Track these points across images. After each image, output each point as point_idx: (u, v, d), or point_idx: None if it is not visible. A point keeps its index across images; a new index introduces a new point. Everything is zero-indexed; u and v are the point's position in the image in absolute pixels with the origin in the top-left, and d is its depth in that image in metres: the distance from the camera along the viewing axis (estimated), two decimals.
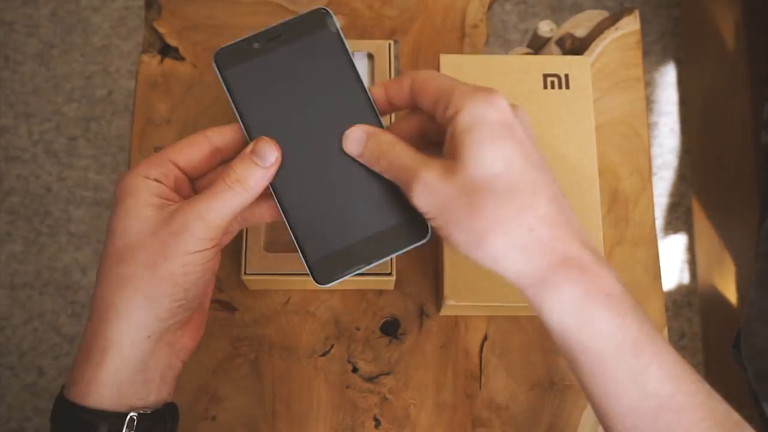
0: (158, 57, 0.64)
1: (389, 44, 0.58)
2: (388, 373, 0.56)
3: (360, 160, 0.43)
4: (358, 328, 0.57)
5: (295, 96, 0.45)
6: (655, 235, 0.60)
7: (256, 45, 0.45)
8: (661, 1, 1.40)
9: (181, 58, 0.64)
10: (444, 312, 0.57)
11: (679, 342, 1.28)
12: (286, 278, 0.54)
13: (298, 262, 0.46)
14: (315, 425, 0.55)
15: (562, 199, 0.39)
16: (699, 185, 1.28)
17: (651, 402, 0.37)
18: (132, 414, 0.40)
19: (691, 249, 1.31)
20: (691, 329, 1.28)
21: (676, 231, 1.33)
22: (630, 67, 0.63)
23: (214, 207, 0.40)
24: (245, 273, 0.53)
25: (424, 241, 0.44)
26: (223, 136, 0.43)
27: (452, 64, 0.58)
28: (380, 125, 0.44)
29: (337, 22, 0.46)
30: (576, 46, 0.64)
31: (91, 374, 0.40)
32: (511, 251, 0.37)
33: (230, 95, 0.45)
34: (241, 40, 0.45)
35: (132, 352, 0.40)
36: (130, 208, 0.40)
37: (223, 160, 0.44)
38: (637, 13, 0.65)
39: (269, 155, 0.42)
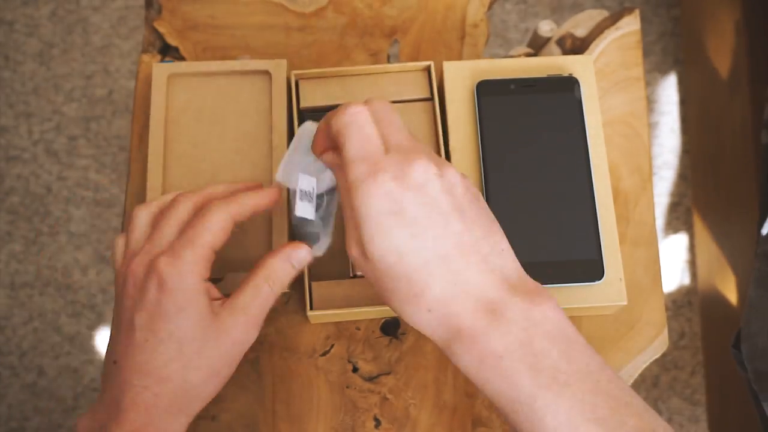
0: (158, 57, 0.64)
1: (285, 62, 0.58)
2: (388, 373, 0.56)
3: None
4: (358, 328, 0.57)
5: (529, 136, 0.55)
6: (655, 235, 0.60)
7: (512, 86, 0.57)
8: (661, 1, 1.40)
9: (182, 58, 0.64)
10: None
11: (678, 342, 1.28)
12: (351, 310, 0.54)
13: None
14: (315, 425, 0.55)
15: (460, 262, 0.41)
16: (699, 185, 1.28)
17: None
18: None
19: (691, 249, 1.31)
20: (691, 329, 1.28)
21: (676, 231, 1.33)
22: (630, 67, 0.63)
23: (262, 312, 0.46)
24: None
25: (597, 282, 0.53)
26: (244, 214, 0.47)
27: (456, 71, 0.58)
28: (590, 179, 0.55)
29: (583, 90, 0.57)
30: (576, 46, 0.64)
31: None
32: (421, 325, 0.41)
33: (478, 117, 0.56)
34: (502, 79, 0.57)
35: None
36: (197, 316, 0.44)
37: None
38: (637, 12, 0.65)
39: (302, 259, 0.47)
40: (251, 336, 0.46)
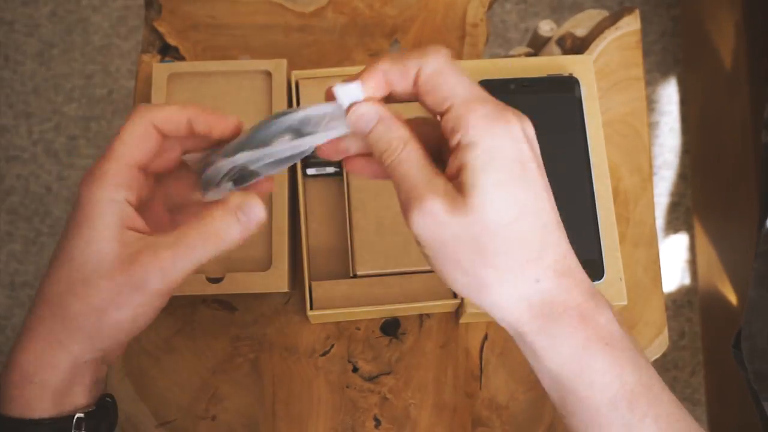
0: (158, 57, 0.64)
1: (285, 62, 0.58)
2: (388, 373, 0.56)
3: (363, 141, 0.39)
4: (358, 328, 0.57)
5: None
6: (655, 235, 0.60)
7: (512, 86, 0.56)
8: (661, 1, 1.40)
9: (182, 58, 0.64)
10: (464, 320, 0.57)
11: (679, 342, 1.28)
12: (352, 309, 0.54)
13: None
14: (315, 425, 0.55)
15: (565, 241, 0.38)
16: (699, 185, 1.28)
17: None
18: (78, 414, 0.40)
19: (691, 249, 1.31)
20: (691, 329, 1.28)
21: (676, 231, 1.33)
22: (630, 67, 0.63)
23: (179, 262, 0.38)
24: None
25: (597, 282, 0.53)
26: (170, 125, 0.40)
27: None
28: (591, 179, 0.54)
29: (583, 90, 0.57)
30: (576, 46, 0.64)
31: (30, 392, 0.39)
32: (515, 301, 0.36)
33: None
34: (502, 79, 0.56)
35: (70, 372, 0.40)
36: (92, 239, 0.38)
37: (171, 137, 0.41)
38: (637, 12, 0.65)
39: (255, 215, 0.39)
40: (163, 301, 0.39)
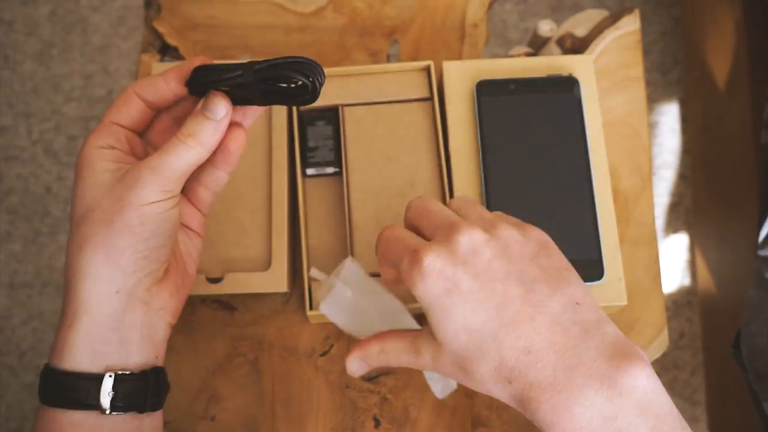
0: (158, 56, 0.64)
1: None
2: (388, 373, 0.56)
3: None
4: None
5: (529, 136, 0.56)
6: (655, 235, 0.60)
7: (512, 86, 0.57)
8: (661, 1, 1.40)
9: (181, 58, 0.64)
10: None
11: (678, 342, 1.28)
12: None
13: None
14: (315, 425, 0.55)
15: (529, 314, 0.38)
16: (699, 185, 1.28)
17: None
18: (108, 374, 0.40)
19: (691, 249, 1.31)
20: (691, 329, 1.28)
21: (676, 231, 1.33)
22: (630, 67, 0.63)
23: (166, 161, 0.41)
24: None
25: (597, 282, 0.53)
26: (148, 89, 0.44)
27: (456, 71, 0.58)
28: (590, 179, 0.55)
29: (583, 90, 0.57)
30: (576, 46, 0.64)
31: (64, 337, 0.40)
32: (510, 401, 0.39)
33: (478, 117, 0.56)
34: (502, 79, 0.57)
35: (101, 309, 0.41)
36: (87, 177, 0.42)
37: (159, 110, 0.46)
38: (637, 12, 0.65)
39: (220, 109, 0.43)
40: (166, 201, 0.42)
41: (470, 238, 0.40)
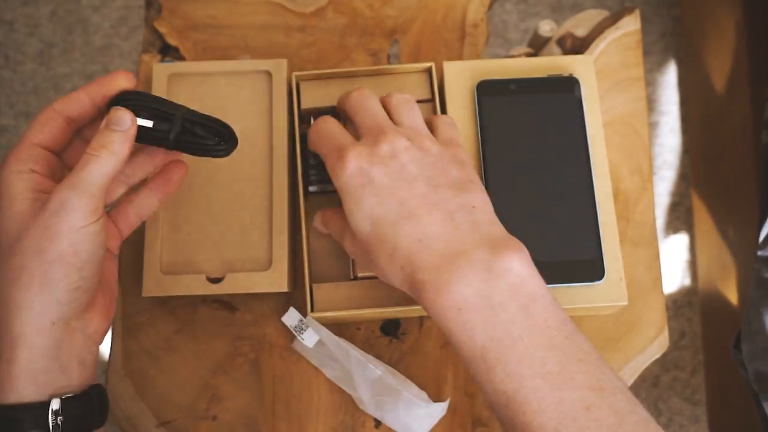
0: (158, 57, 0.64)
1: (285, 62, 0.58)
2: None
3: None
4: (358, 328, 0.57)
5: (529, 136, 0.56)
6: (656, 235, 0.60)
7: (512, 87, 0.57)
8: (661, 1, 1.40)
9: (182, 58, 0.64)
10: None
11: (678, 342, 1.28)
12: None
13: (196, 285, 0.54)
14: (315, 425, 0.55)
15: (428, 209, 0.44)
16: (699, 185, 1.28)
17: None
18: (54, 399, 0.41)
19: (691, 249, 1.31)
20: (691, 329, 1.28)
21: (676, 231, 1.33)
22: (630, 67, 0.63)
23: (84, 177, 0.41)
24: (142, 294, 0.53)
25: (598, 282, 0.53)
26: (71, 105, 0.45)
27: (456, 71, 0.58)
28: (591, 179, 0.55)
29: (584, 90, 0.57)
30: (576, 46, 0.64)
31: (4, 372, 0.40)
32: (400, 285, 0.44)
33: (478, 117, 0.56)
34: (503, 80, 0.57)
35: (40, 341, 0.41)
36: (7, 207, 0.42)
37: (78, 128, 0.47)
38: (637, 12, 0.65)
39: (125, 120, 0.43)
40: (94, 224, 0.41)
41: (392, 146, 0.45)
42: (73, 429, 0.41)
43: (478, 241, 0.42)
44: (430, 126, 0.50)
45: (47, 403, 0.40)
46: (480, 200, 0.45)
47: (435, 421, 0.54)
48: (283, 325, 0.57)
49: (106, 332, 0.45)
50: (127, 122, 0.43)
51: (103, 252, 0.43)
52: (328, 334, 0.53)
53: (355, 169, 0.44)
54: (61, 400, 0.41)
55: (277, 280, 0.54)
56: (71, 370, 0.42)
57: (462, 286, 0.40)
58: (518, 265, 0.41)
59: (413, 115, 0.49)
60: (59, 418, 0.40)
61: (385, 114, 0.48)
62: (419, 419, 0.53)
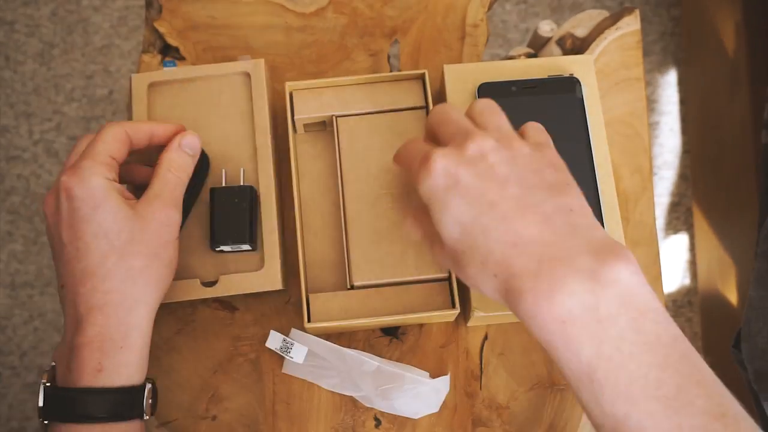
0: (159, 57, 0.64)
1: (262, 62, 0.58)
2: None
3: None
4: None
5: None
6: (656, 235, 0.60)
7: (513, 88, 0.57)
8: (661, 1, 1.40)
9: (182, 58, 0.64)
10: (471, 323, 0.57)
11: None
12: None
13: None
14: (315, 425, 0.55)
15: (522, 212, 0.40)
16: (699, 185, 1.29)
17: None
18: (149, 384, 0.47)
19: (691, 249, 1.31)
20: (691, 329, 1.28)
21: (676, 231, 1.33)
22: (630, 67, 0.63)
23: (177, 197, 0.49)
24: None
25: None
26: (138, 135, 0.50)
27: (457, 74, 0.58)
28: (594, 179, 0.54)
29: (584, 90, 0.57)
30: (576, 46, 0.64)
31: (119, 359, 0.45)
32: (494, 295, 0.40)
33: None
34: (504, 81, 0.57)
35: (148, 332, 0.47)
36: (114, 209, 0.46)
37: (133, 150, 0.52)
38: (637, 12, 0.65)
39: (196, 146, 0.52)
40: (173, 217, 0.48)
41: (480, 145, 0.42)
42: (150, 410, 0.47)
43: (581, 247, 0.38)
44: (519, 133, 0.47)
45: (143, 386, 0.47)
46: (578, 204, 0.41)
47: (442, 396, 0.54)
48: (284, 324, 0.57)
49: None
50: (198, 149, 0.52)
51: None
52: (316, 341, 0.54)
53: (441, 171, 0.41)
54: (152, 383, 0.48)
55: (271, 279, 0.54)
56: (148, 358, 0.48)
57: (565, 295, 0.37)
58: (627, 274, 0.37)
59: (499, 119, 0.45)
60: (150, 399, 0.47)
61: (468, 121, 0.45)
62: (426, 397, 0.53)
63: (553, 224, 0.39)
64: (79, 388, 0.44)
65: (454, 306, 0.53)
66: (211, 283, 0.54)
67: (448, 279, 0.54)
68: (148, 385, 0.47)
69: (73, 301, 0.46)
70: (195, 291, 0.54)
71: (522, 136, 0.45)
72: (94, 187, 0.46)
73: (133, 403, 0.46)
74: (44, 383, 0.46)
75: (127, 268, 0.46)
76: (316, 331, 0.54)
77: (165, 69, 0.58)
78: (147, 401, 0.47)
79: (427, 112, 0.57)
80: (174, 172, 0.50)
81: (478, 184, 0.41)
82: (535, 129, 0.47)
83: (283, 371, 0.56)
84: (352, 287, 0.54)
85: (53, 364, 0.47)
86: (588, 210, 0.41)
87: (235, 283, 0.54)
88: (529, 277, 0.38)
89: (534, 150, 0.43)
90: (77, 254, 0.46)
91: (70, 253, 0.46)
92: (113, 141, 0.48)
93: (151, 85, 0.58)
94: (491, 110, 0.46)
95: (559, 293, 0.37)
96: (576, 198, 0.41)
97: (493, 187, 0.40)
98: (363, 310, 0.53)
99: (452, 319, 0.56)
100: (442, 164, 0.41)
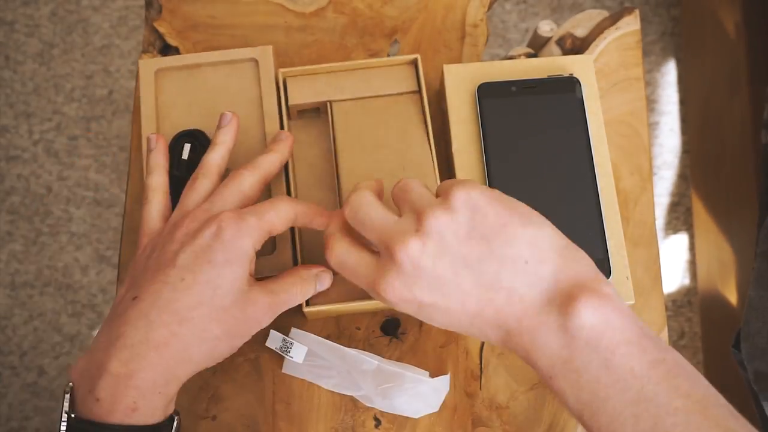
0: (159, 57, 0.64)
1: (270, 48, 0.58)
2: None
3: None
4: (358, 328, 0.57)
5: (532, 138, 0.56)
6: (655, 235, 0.60)
7: (513, 88, 0.57)
8: (661, 1, 1.40)
9: None
10: None
11: (678, 342, 1.28)
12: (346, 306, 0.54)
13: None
14: (315, 425, 0.55)
15: (490, 298, 0.41)
16: (699, 185, 1.29)
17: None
18: (175, 416, 0.45)
19: (691, 249, 1.31)
20: (691, 329, 1.28)
21: (676, 231, 1.33)
22: (630, 67, 0.63)
23: (282, 308, 0.48)
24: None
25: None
26: (304, 220, 0.49)
27: (456, 74, 0.58)
28: (594, 178, 0.55)
29: (584, 90, 0.57)
30: (576, 46, 0.64)
31: (155, 402, 0.43)
32: (468, 330, 0.43)
33: (480, 119, 0.56)
34: (503, 81, 0.57)
35: (182, 383, 0.45)
36: (238, 277, 0.45)
37: None
38: (637, 12, 0.65)
39: (326, 284, 0.51)
40: (267, 318, 0.47)
41: (407, 255, 0.41)
42: None
43: (546, 302, 0.40)
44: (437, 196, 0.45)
45: (172, 419, 0.45)
46: (526, 245, 0.41)
47: (442, 396, 0.54)
48: (284, 324, 0.57)
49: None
50: (325, 285, 0.51)
51: None
52: (316, 340, 0.54)
53: (399, 301, 0.43)
54: (177, 416, 0.45)
55: (282, 263, 0.54)
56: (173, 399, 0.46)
57: (544, 356, 0.40)
58: (591, 315, 0.38)
59: (410, 196, 0.44)
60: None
61: (386, 220, 0.44)
62: (426, 396, 0.53)
63: (518, 294, 0.40)
64: (109, 424, 0.41)
65: None
66: None
67: None
68: (176, 419, 0.45)
69: (134, 320, 0.43)
70: None
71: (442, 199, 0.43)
72: (241, 246, 0.45)
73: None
74: (67, 413, 0.42)
75: (205, 327, 0.44)
76: (314, 316, 0.55)
77: (173, 56, 0.58)
78: None
79: (421, 97, 0.57)
80: (298, 289, 0.49)
81: (439, 296, 0.42)
82: (452, 191, 0.43)
83: (283, 371, 0.56)
84: None
85: (71, 384, 0.43)
86: (536, 246, 0.41)
87: None
88: (517, 343, 0.41)
89: (446, 212, 0.41)
90: (178, 284, 0.44)
91: (173, 277, 0.44)
92: (283, 216, 0.47)
93: (159, 71, 0.58)
94: (405, 191, 0.45)
95: (540, 355, 0.40)
96: (520, 239, 0.41)
97: (450, 289, 0.41)
98: (361, 293, 0.53)
99: None
100: (396, 295, 0.42)
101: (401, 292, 0.42)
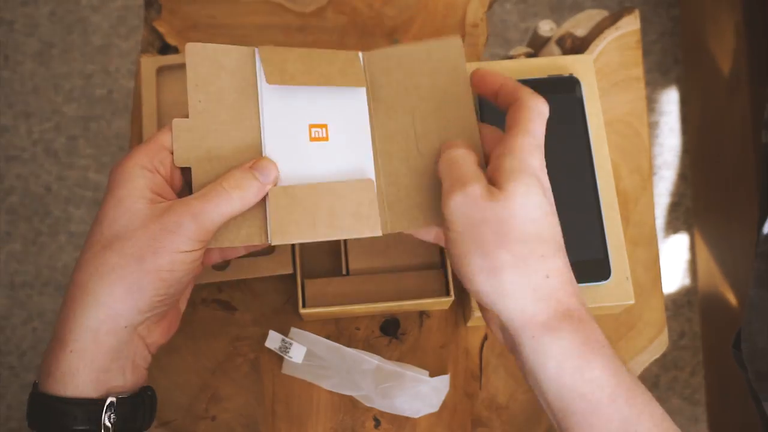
0: (158, 57, 0.64)
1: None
2: None
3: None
4: (357, 328, 0.57)
5: None
6: (655, 235, 0.60)
7: None
8: (661, 1, 1.40)
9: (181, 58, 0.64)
10: (471, 323, 0.57)
11: (678, 342, 1.28)
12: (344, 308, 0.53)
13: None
14: (315, 425, 0.55)
15: (566, 254, 0.41)
16: (699, 185, 1.28)
17: None
18: (111, 399, 0.41)
19: (691, 249, 1.31)
20: (691, 329, 1.28)
21: (676, 231, 1.33)
22: (630, 67, 0.63)
23: (208, 210, 0.41)
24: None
25: (604, 282, 0.53)
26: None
27: None
28: (594, 178, 0.54)
29: (584, 89, 0.56)
30: (576, 46, 0.64)
31: (66, 363, 0.40)
32: (523, 290, 0.39)
33: (480, 119, 0.54)
34: None
35: (108, 340, 0.40)
36: (123, 198, 0.41)
37: None
38: (637, 12, 0.65)
39: (270, 173, 0.43)
40: (187, 228, 0.40)
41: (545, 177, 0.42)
42: (122, 428, 0.41)
43: (526, 326, 0.40)
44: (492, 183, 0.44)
45: (103, 400, 0.40)
46: (534, 267, 0.40)
47: (442, 396, 0.54)
48: (283, 324, 0.57)
49: (161, 347, 0.45)
50: (271, 177, 0.43)
51: (192, 277, 0.43)
52: (315, 339, 0.54)
53: (542, 162, 0.42)
54: (117, 399, 0.41)
55: (281, 263, 0.53)
56: (127, 371, 0.42)
57: (598, 328, 0.41)
58: (555, 358, 0.39)
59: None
60: (111, 416, 0.40)
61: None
62: (426, 396, 0.53)
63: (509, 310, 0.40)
64: (35, 393, 0.40)
65: (448, 294, 0.53)
66: (221, 267, 0.54)
67: (443, 267, 0.54)
68: (110, 400, 0.41)
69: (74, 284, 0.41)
70: (206, 275, 0.54)
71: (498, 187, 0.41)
72: (123, 170, 0.42)
73: (75, 416, 0.40)
74: (32, 394, 0.41)
75: (100, 263, 0.40)
76: (311, 317, 0.55)
77: (173, 54, 0.58)
78: (106, 417, 0.40)
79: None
80: (227, 187, 0.42)
81: (549, 187, 0.42)
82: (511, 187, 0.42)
83: (282, 372, 0.56)
84: (347, 273, 0.54)
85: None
86: (539, 276, 0.40)
87: (245, 267, 0.54)
88: (577, 300, 0.40)
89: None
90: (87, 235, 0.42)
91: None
92: (170, 130, 0.44)
93: (160, 69, 0.58)
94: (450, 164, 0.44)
95: (596, 324, 0.40)
96: (558, 261, 0.41)
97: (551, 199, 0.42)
98: (359, 295, 0.53)
99: (447, 306, 0.56)
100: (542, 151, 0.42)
101: (480, 203, 0.39)
